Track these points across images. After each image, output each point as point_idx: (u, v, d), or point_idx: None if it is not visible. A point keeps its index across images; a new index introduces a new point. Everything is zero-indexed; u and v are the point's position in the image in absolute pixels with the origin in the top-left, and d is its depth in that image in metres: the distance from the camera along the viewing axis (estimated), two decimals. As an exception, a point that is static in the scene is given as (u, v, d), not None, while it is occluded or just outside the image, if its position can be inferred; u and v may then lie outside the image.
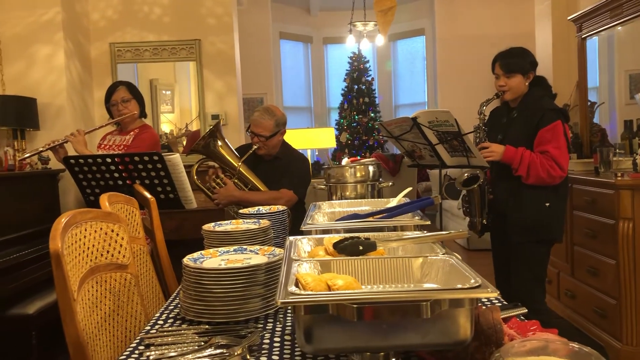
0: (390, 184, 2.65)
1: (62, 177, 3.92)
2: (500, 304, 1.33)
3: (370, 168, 2.55)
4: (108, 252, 1.54)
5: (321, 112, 9.15)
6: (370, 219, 1.60)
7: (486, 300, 1.42)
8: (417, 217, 1.61)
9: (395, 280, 1.12)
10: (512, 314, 1.23)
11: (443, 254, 1.14)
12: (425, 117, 2.65)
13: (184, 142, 4.88)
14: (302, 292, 0.92)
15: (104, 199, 1.81)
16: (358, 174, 2.54)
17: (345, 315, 0.87)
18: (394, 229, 1.50)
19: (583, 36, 4.04)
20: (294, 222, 2.66)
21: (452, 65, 7.55)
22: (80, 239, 1.41)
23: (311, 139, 6.87)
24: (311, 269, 1.10)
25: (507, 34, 6.59)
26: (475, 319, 0.95)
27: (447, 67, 7.62)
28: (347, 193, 2.54)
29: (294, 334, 1.28)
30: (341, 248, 1.21)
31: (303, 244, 1.33)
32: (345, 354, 1.08)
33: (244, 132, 4.89)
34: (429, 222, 1.50)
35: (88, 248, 1.44)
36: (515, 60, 2.67)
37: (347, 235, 1.27)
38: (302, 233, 1.51)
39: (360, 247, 1.19)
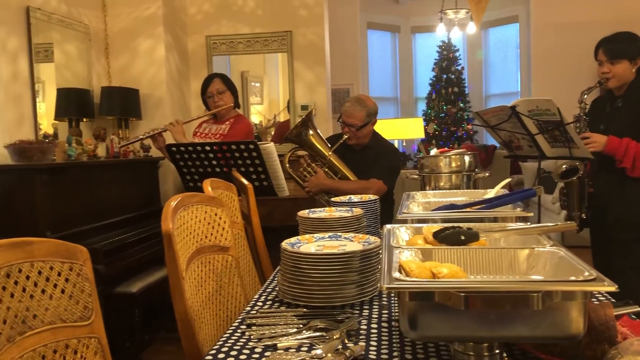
0: (487, 174, 2.58)
1: (162, 164, 4.13)
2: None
3: (466, 158, 2.49)
4: (212, 234, 1.61)
5: (408, 102, 9.04)
6: (469, 209, 1.57)
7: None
8: (518, 209, 1.56)
9: (500, 271, 1.09)
10: (624, 311, 1.17)
11: (551, 245, 1.10)
12: (525, 106, 2.55)
13: (272, 133, 4.99)
14: (407, 278, 0.93)
15: (207, 184, 1.90)
16: (453, 164, 2.49)
17: (451, 304, 0.86)
18: (494, 220, 1.47)
19: (699, 19, 3.74)
20: (382, 212, 2.66)
21: (548, 54, 7.18)
22: (187, 221, 1.48)
23: (398, 129, 6.81)
24: (412, 257, 1.10)
25: (608, 20, 6.18)
26: (585, 314, 0.92)
27: (542, 56, 7.26)
28: (441, 183, 2.49)
29: (391, 321, 1.28)
30: (442, 237, 1.20)
31: (401, 232, 1.33)
32: (447, 342, 1.07)
33: (332, 122, 4.93)
34: (531, 214, 1.45)
35: (194, 230, 1.52)
36: (621, 45, 2.52)
37: (447, 224, 1.26)
38: (394, 222, 1.50)
39: (462, 237, 1.17)
